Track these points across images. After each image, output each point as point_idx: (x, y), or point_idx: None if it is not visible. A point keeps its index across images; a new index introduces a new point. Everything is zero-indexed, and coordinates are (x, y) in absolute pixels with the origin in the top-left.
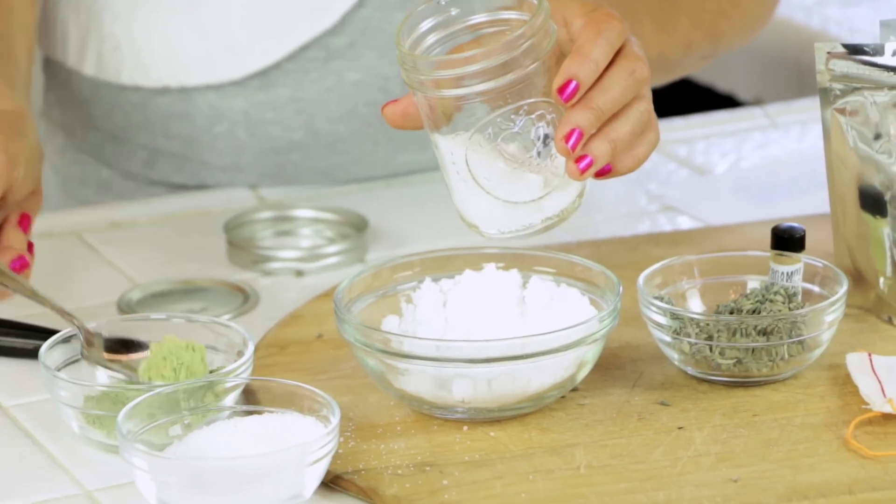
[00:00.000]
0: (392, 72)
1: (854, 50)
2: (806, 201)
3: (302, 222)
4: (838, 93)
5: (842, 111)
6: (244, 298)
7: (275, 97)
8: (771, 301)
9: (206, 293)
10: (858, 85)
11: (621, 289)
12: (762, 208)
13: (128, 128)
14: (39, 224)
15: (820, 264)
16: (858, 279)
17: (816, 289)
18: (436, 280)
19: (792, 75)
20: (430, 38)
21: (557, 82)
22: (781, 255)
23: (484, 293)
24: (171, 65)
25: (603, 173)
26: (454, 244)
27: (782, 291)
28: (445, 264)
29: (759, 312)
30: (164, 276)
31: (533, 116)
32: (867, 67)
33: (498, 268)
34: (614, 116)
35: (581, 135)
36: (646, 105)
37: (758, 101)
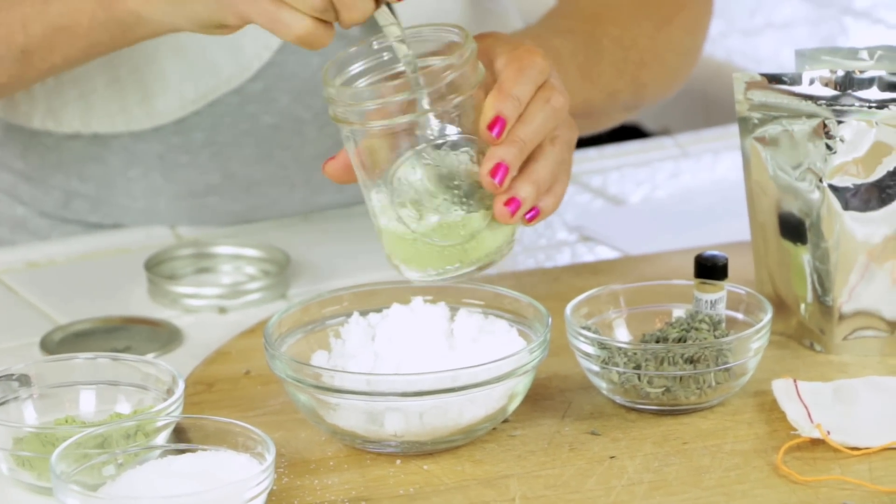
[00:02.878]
0: (307, 115)
1: (772, 79)
2: (722, 229)
3: (222, 259)
4: (757, 122)
5: (761, 140)
6: (168, 336)
7: (190, 141)
8: (696, 329)
9: (128, 332)
10: (777, 114)
11: (550, 320)
12: (679, 237)
13: (42, 169)
14: None
15: (743, 292)
16: (780, 306)
17: (741, 316)
18: (364, 314)
19: (698, 105)
20: (361, 82)
21: (486, 118)
22: (705, 283)
23: (412, 326)
24: (83, 113)
25: (532, 217)
26: (377, 278)
27: (707, 319)
28: (373, 298)
29: (686, 341)
30: (85, 315)
31: (457, 153)
32: (785, 96)
33: (425, 301)
34: (533, 158)
35: (507, 169)
36: (560, 147)
37: (665, 131)
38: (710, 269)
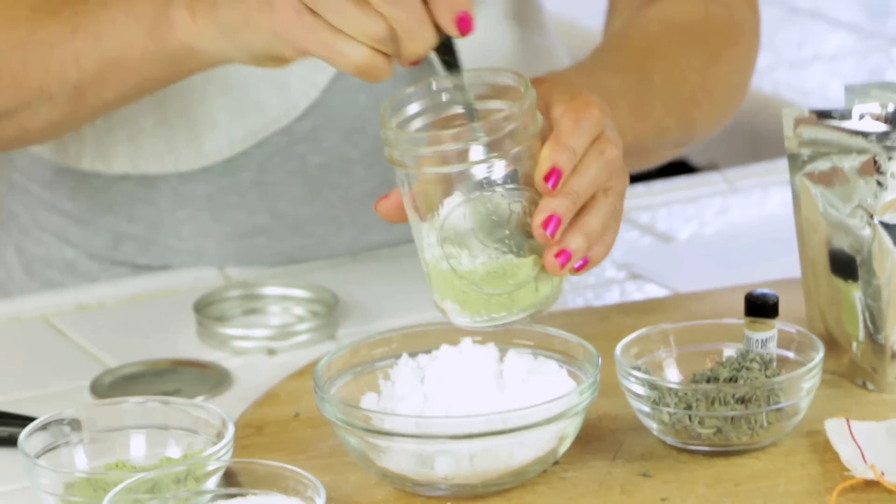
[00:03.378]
0: (354, 154)
1: (822, 115)
2: (772, 266)
3: (271, 300)
4: (806, 158)
5: (811, 176)
6: (217, 379)
7: (238, 181)
8: (747, 368)
9: (178, 374)
10: (827, 150)
11: (600, 360)
12: (729, 274)
13: (91, 211)
14: (4, 309)
15: (794, 330)
16: (831, 344)
17: (792, 355)
18: (413, 356)
19: (745, 139)
20: (417, 123)
21: (542, 169)
22: (756, 321)
23: (461, 368)
24: (132, 155)
25: (581, 267)
26: (426, 319)
27: (758, 359)
28: (422, 340)
29: (737, 380)
30: (134, 358)
31: (510, 202)
32: (835, 132)
33: (474, 342)
34: (585, 209)
35: (559, 221)
36: (613, 198)
37: (712, 166)
38: (760, 307)
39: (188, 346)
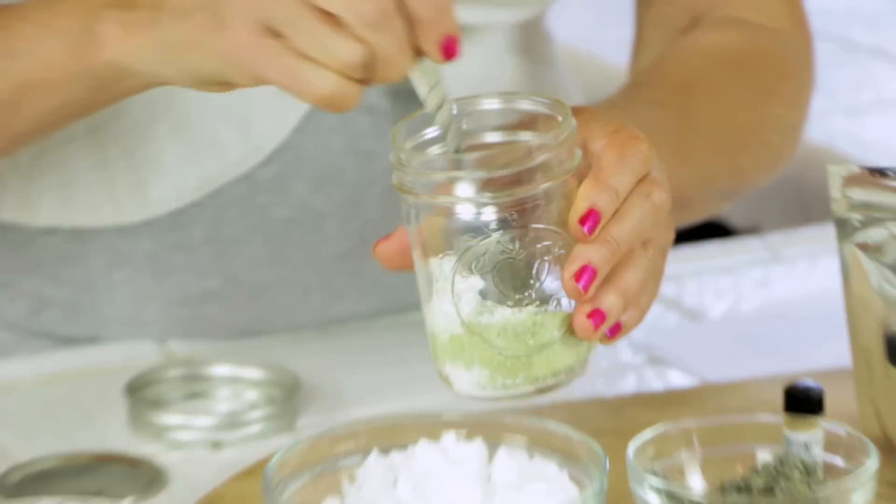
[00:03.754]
0: (327, 207)
1: (875, 173)
2: (820, 352)
3: (219, 382)
4: (858, 224)
5: (863, 246)
6: (149, 477)
7: (187, 237)
8: (787, 477)
9: (102, 471)
10: (881, 215)
11: (608, 462)
12: (767, 361)
13: (8, 271)
14: None
15: (843, 432)
16: (889, 449)
17: (840, 461)
18: (384, 453)
19: (793, 198)
20: (434, 150)
21: (578, 210)
22: (797, 419)
23: (443, 469)
24: (62, 204)
25: (613, 334)
26: (403, 407)
27: (800, 465)
28: (396, 433)
29: (774, 492)
30: (50, 450)
31: (538, 247)
32: (891, 194)
33: (459, 437)
34: (622, 263)
35: (594, 274)
36: (654, 252)
37: (754, 230)
38: (803, 401)
39: (117, 436)
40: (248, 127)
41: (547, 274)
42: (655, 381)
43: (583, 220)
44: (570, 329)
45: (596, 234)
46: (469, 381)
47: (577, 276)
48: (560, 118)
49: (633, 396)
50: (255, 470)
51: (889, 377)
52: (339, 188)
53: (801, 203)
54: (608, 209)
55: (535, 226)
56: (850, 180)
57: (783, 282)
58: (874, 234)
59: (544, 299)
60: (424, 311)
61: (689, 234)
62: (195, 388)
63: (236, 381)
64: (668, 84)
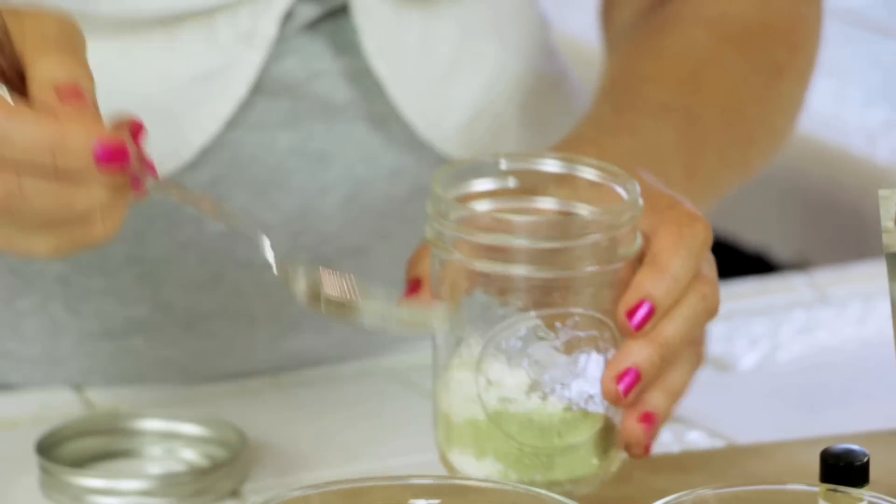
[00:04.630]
0: (274, 218)
1: None
2: (869, 411)
3: (149, 438)
4: None
5: None
6: None
7: (106, 256)
8: None
9: None
10: None
11: None
12: (806, 421)
13: None
14: None
15: None
16: None
17: None
18: None
19: (848, 228)
20: (481, 205)
21: (629, 301)
22: (837, 491)
23: None
24: None
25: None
26: (366, 471)
27: None
28: (355, 500)
29: None
30: None
31: (581, 335)
32: None
33: None
34: (669, 362)
35: (637, 378)
36: (699, 348)
37: (801, 264)
38: (843, 470)
39: (28, 502)
40: (172, 117)
41: (586, 368)
42: (673, 443)
43: (631, 312)
44: (601, 433)
45: (647, 330)
46: (478, 473)
47: (619, 377)
48: (625, 194)
49: (643, 459)
50: None
51: None
52: (287, 196)
53: (860, 234)
54: (664, 303)
55: (580, 311)
56: None
57: (829, 327)
58: None
59: (580, 395)
60: (437, 384)
61: (721, 269)
62: (121, 445)
63: (170, 437)
64: (674, 77)
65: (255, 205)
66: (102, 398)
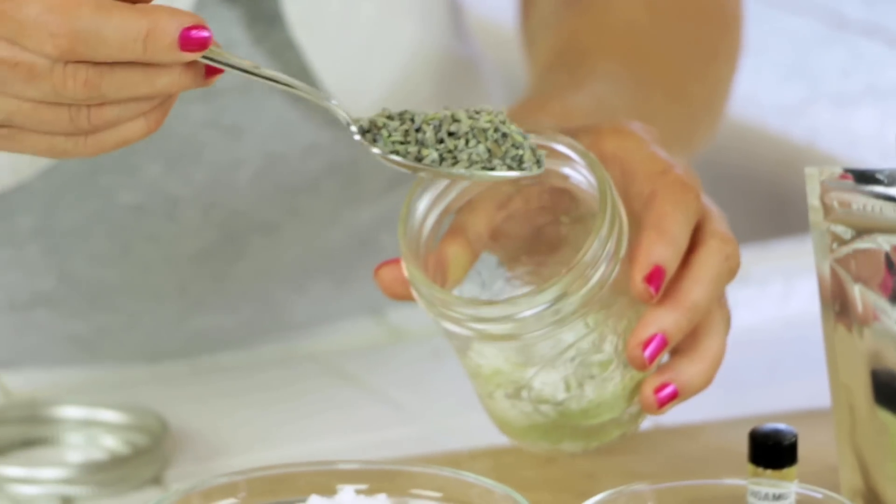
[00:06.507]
0: (185, 191)
1: (861, 178)
2: (794, 390)
3: (69, 426)
4: (840, 238)
5: (845, 263)
6: None
7: (12, 227)
8: None
9: None
10: (869, 227)
11: None
12: (731, 400)
13: None
14: None
15: (820, 494)
16: None
17: None
18: None
19: (767, 207)
20: (429, 221)
21: (642, 270)
22: (764, 471)
23: None
24: None
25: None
26: (292, 456)
27: None
28: (283, 486)
29: None
30: None
31: (609, 325)
32: (880, 202)
33: (358, 492)
34: (702, 327)
35: (664, 343)
36: (727, 309)
37: None
38: (771, 450)
39: None
40: None
41: (623, 349)
42: None
43: (650, 279)
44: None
45: (669, 296)
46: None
47: (646, 343)
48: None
49: None
50: None
51: (875, 420)
52: (199, 168)
53: (779, 213)
54: (672, 266)
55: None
56: (831, 185)
57: (752, 306)
58: (860, 249)
59: (624, 373)
60: (487, 404)
61: None
62: (39, 432)
63: (90, 424)
64: (618, 51)
65: (167, 176)
66: (18, 385)
